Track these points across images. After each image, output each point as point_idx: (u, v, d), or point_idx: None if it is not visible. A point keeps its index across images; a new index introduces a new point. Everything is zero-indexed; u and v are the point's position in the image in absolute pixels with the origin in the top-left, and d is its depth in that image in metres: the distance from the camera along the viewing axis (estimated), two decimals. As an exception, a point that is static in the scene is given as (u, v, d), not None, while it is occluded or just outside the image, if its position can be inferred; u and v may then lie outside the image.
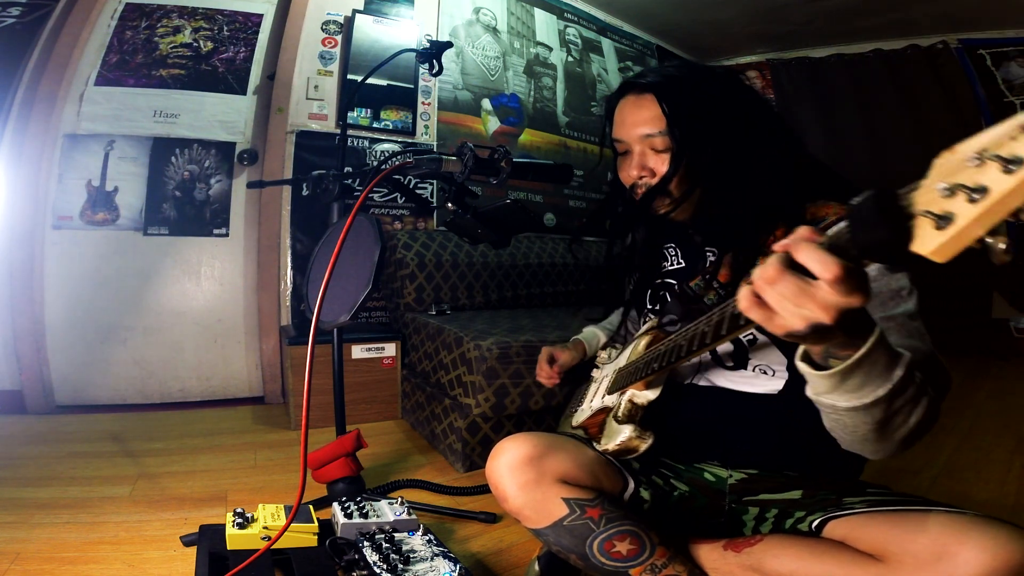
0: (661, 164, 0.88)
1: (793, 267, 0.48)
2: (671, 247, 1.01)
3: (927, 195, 0.39)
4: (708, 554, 0.82)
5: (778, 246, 0.49)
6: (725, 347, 0.88)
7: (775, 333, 0.52)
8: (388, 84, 2.70)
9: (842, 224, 0.46)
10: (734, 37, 4.03)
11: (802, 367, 0.59)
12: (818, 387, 0.59)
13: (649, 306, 1.01)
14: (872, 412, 0.58)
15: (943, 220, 0.37)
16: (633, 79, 0.92)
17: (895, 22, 3.59)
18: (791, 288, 0.48)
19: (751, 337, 0.86)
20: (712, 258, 0.92)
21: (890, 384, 0.56)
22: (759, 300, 0.51)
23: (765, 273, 0.49)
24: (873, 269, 0.68)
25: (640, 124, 0.88)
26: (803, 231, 0.49)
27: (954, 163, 0.38)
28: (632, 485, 0.86)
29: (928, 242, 0.39)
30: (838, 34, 3.89)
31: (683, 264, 0.97)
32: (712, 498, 0.88)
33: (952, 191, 0.37)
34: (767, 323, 0.51)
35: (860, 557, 0.67)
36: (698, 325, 0.68)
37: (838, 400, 0.58)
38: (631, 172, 0.90)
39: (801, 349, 0.59)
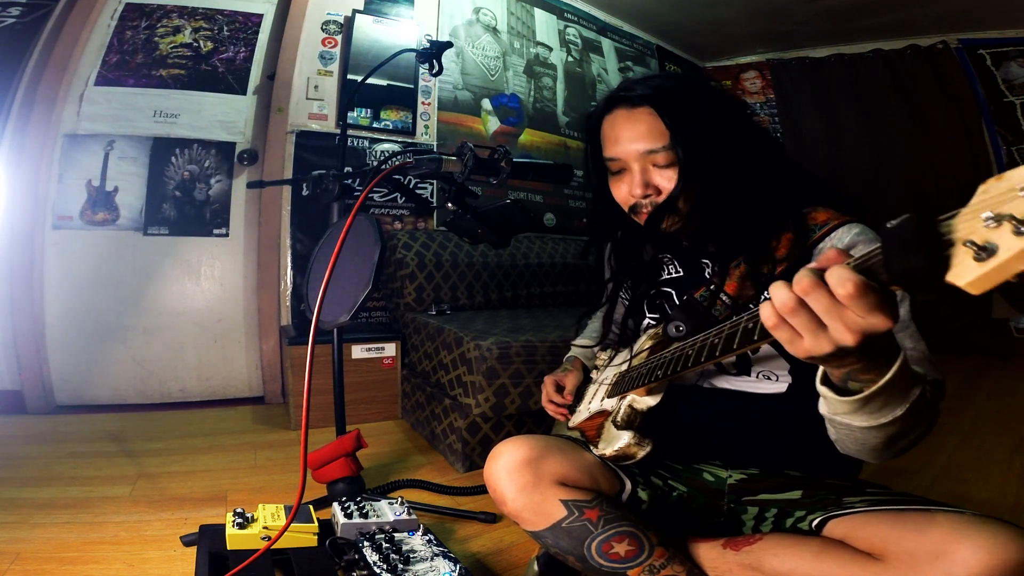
0: (665, 181, 0.85)
1: (825, 283, 0.48)
2: (666, 256, 0.99)
3: (969, 223, 0.37)
4: (707, 553, 0.82)
5: (808, 267, 0.49)
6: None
7: (796, 355, 0.51)
8: (388, 84, 2.70)
9: (874, 247, 0.45)
10: (734, 37, 4.03)
11: (823, 390, 0.59)
12: (836, 409, 0.58)
13: (648, 314, 1.00)
14: (887, 429, 0.58)
15: (984, 251, 0.35)
16: (621, 92, 0.88)
17: (895, 22, 3.59)
18: (823, 303, 0.47)
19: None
20: (707, 267, 0.91)
21: (907, 404, 0.56)
22: (783, 320, 0.50)
23: (799, 284, 0.48)
24: None
25: (638, 139, 0.84)
26: (831, 254, 0.49)
27: (1002, 191, 0.36)
28: (629, 486, 0.86)
29: (965, 273, 0.37)
30: (838, 34, 3.89)
31: (681, 273, 0.96)
32: (711, 498, 0.88)
33: (998, 221, 0.35)
34: (791, 343, 0.51)
35: (859, 556, 0.67)
36: (708, 336, 0.67)
37: (854, 420, 0.58)
38: (634, 191, 0.86)
39: (821, 371, 0.59)
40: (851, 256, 0.48)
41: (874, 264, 0.45)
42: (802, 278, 0.48)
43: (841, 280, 0.45)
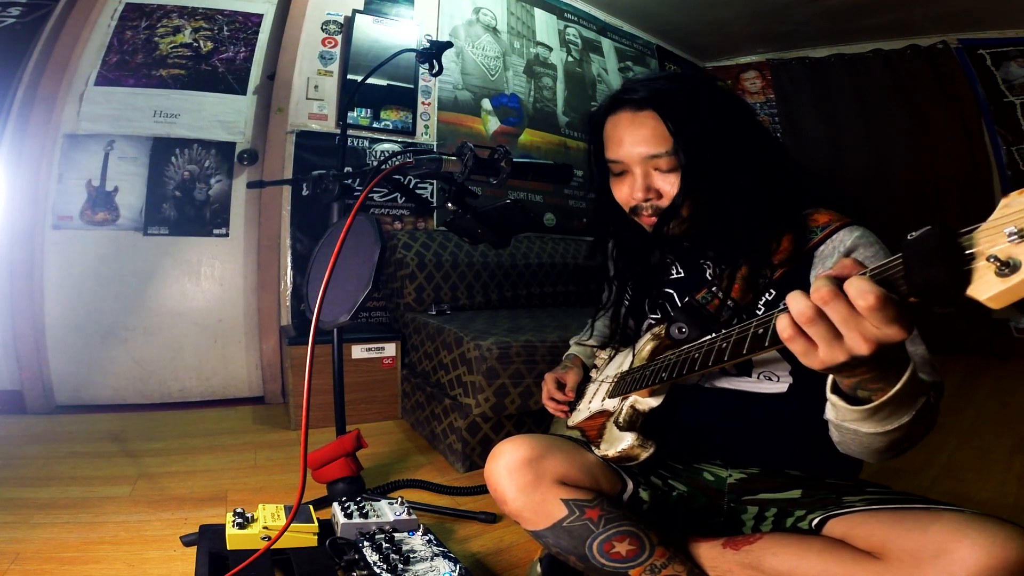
0: (667, 185, 0.84)
1: (843, 293, 0.47)
2: (668, 257, 0.99)
3: (991, 237, 0.37)
4: (707, 552, 0.82)
5: (825, 275, 0.49)
6: None
7: (810, 366, 0.51)
8: (388, 84, 2.70)
9: (893, 258, 0.45)
10: (734, 37, 4.03)
11: (833, 399, 0.59)
12: (845, 417, 0.59)
13: (649, 313, 1.00)
14: (892, 434, 0.59)
15: (1007, 267, 0.35)
16: (624, 94, 0.87)
17: (895, 22, 3.59)
18: (842, 313, 0.47)
19: None
20: (709, 268, 0.91)
21: (914, 411, 0.57)
22: (799, 331, 0.50)
23: (818, 293, 0.48)
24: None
25: (641, 143, 0.84)
26: (847, 263, 0.49)
27: None
28: (631, 486, 0.86)
29: (986, 288, 0.36)
30: (838, 34, 3.89)
31: (683, 274, 0.96)
32: (711, 498, 0.88)
33: (1022, 237, 0.35)
34: (805, 354, 0.51)
35: (859, 555, 0.67)
36: (715, 341, 0.67)
37: (862, 427, 0.59)
38: (635, 194, 0.86)
39: (831, 380, 0.59)
40: (865, 266, 0.47)
41: (893, 275, 0.44)
42: (820, 287, 0.48)
43: (862, 292, 0.45)
